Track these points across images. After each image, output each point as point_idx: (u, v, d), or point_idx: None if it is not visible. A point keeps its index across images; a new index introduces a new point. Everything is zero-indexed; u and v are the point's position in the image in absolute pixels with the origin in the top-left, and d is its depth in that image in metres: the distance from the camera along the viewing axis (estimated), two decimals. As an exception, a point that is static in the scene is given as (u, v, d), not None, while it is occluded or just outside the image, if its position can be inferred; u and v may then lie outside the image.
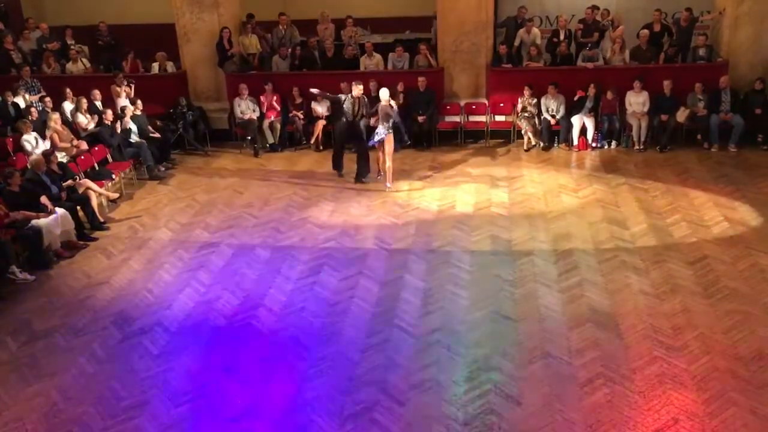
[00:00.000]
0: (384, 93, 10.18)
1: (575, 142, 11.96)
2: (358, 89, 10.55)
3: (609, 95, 11.78)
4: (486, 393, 5.84)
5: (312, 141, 12.50)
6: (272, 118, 12.55)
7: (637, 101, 11.80)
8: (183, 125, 12.53)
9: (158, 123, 12.45)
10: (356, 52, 13.27)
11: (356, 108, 10.55)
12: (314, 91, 10.92)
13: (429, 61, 12.78)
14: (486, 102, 12.71)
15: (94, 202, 9.70)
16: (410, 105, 12.25)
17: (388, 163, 10.40)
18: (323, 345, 6.65)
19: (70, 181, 9.57)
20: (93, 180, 10.03)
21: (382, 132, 10.16)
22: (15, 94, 12.13)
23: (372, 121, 10.62)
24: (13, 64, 13.27)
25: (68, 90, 12.09)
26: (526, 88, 11.99)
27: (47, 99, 12.00)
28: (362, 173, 10.84)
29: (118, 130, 11.40)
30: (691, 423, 5.40)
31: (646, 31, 12.43)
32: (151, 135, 11.91)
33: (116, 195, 10.55)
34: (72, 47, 13.74)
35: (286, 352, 6.57)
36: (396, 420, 5.59)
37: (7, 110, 11.72)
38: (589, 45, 12.56)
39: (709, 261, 7.90)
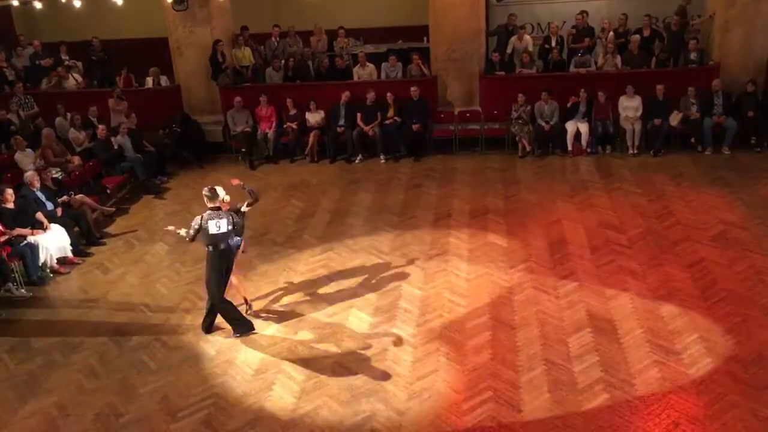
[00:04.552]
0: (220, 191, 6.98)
1: (569, 148, 11.99)
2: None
3: (601, 97, 11.80)
4: (486, 401, 5.83)
5: (306, 152, 12.52)
6: (267, 130, 12.57)
7: (630, 106, 11.83)
8: (174, 140, 12.51)
9: (161, 132, 12.45)
10: (348, 62, 13.31)
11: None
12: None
13: (422, 70, 12.82)
14: (480, 109, 12.74)
15: (90, 218, 9.69)
16: (404, 114, 12.28)
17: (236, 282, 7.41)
18: (322, 356, 6.64)
19: (65, 197, 9.56)
20: (88, 195, 10.01)
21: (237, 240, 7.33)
22: (9, 111, 12.12)
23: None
24: (6, 81, 13.29)
25: (60, 106, 12.11)
26: (520, 95, 12.02)
27: (39, 119, 12.00)
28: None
29: (113, 145, 11.40)
30: (692, 426, 5.40)
31: (636, 37, 12.49)
32: (146, 149, 11.90)
33: (111, 210, 10.54)
34: (66, 62, 13.76)
35: (285, 364, 6.55)
36: (396, 430, 5.58)
37: (0, 127, 11.71)
38: (581, 51, 12.62)
39: (705, 264, 7.90)
